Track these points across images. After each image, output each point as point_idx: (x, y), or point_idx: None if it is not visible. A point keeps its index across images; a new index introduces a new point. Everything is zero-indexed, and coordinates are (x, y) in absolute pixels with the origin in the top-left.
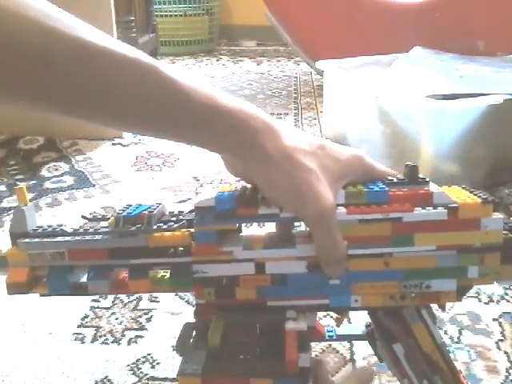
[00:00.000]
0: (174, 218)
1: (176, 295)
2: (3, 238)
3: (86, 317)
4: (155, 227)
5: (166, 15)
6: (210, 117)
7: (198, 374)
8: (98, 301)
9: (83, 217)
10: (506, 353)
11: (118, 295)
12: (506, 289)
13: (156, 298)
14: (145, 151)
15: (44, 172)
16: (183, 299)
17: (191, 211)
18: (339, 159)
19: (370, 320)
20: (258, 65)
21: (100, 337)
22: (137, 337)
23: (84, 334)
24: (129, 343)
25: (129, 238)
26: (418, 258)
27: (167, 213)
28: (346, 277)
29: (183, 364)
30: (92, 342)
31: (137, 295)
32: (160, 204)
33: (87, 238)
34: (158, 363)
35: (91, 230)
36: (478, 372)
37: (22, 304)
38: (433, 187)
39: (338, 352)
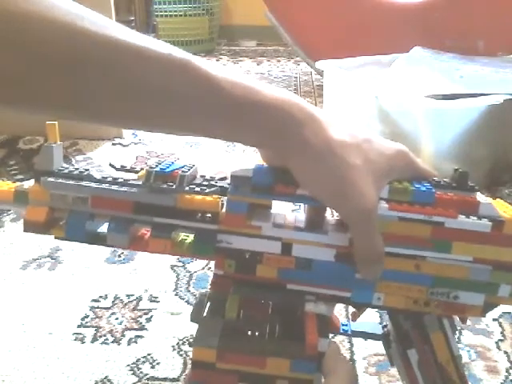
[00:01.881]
0: (205, 183)
1: (176, 295)
2: (3, 238)
3: (86, 317)
4: (187, 188)
5: (166, 15)
6: (248, 110)
7: (214, 347)
8: (98, 301)
9: (111, 165)
10: (505, 353)
11: (119, 296)
12: None
13: (156, 298)
14: (145, 151)
15: None
16: (183, 299)
17: (222, 178)
18: (384, 154)
19: (385, 321)
20: (258, 65)
21: (100, 337)
22: (137, 337)
23: (84, 334)
24: (129, 343)
25: (157, 194)
26: (451, 267)
27: (198, 176)
28: None
29: (198, 334)
30: (92, 341)
31: (137, 295)
32: (193, 166)
33: (114, 187)
34: (158, 363)
35: (120, 180)
36: (478, 372)
37: (22, 304)
38: (480, 197)
39: None
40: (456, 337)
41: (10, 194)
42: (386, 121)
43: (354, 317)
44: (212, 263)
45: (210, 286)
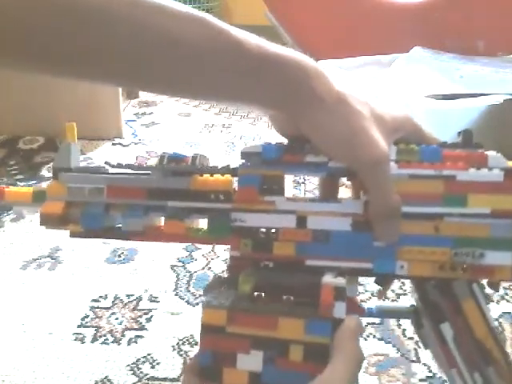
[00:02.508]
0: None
1: (176, 295)
2: (3, 238)
3: (86, 317)
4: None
5: None
6: (261, 64)
7: (225, 308)
8: (98, 301)
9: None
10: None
11: (119, 296)
12: (506, 289)
13: (156, 298)
14: (145, 151)
15: (44, 172)
16: (183, 299)
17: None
18: (391, 113)
19: (415, 301)
20: None
21: (100, 337)
22: (137, 337)
23: (84, 334)
24: (129, 343)
25: (170, 178)
26: (471, 225)
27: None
28: None
29: (209, 297)
30: (92, 342)
31: (137, 295)
32: (204, 155)
33: (128, 176)
34: (158, 363)
35: (134, 166)
36: None
37: (22, 304)
38: (488, 151)
39: None
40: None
41: (29, 194)
42: None
43: (381, 295)
44: (212, 263)
45: (226, 271)
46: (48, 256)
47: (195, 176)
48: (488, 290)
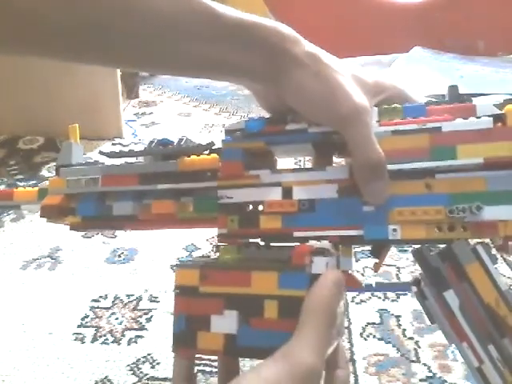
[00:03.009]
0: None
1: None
2: (3, 238)
3: (86, 317)
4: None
5: None
6: (237, 30)
7: (197, 265)
8: (98, 301)
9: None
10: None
11: (119, 296)
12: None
13: (156, 298)
14: None
15: (44, 172)
16: None
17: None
18: (371, 75)
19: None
20: None
21: (100, 337)
22: (137, 337)
23: (84, 334)
24: (129, 343)
25: (160, 162)
26: (464, 180)
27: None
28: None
29: (184, 262)
30: (92, 342)
31: (137, 295)
32: (190, 139)
33: (120, 164)
34: (158, 363)
35: (126, 152)
36: None
37: (22, 304)
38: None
39: None
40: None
41: (35, 192)
42: None
43: (377, 267)
44: None
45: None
46: (48, 256)
47: (183, 157)
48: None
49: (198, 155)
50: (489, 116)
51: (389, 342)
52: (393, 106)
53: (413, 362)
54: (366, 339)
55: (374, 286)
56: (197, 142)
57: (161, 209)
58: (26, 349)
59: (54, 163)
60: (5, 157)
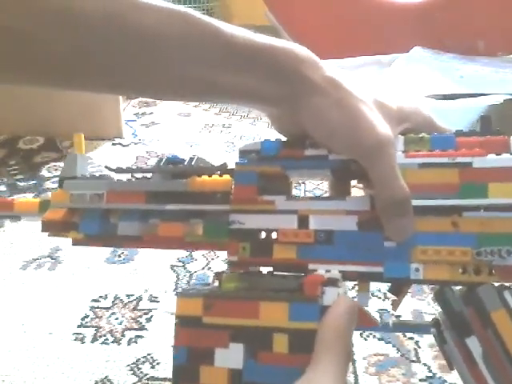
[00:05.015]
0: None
1: (176, 295)
2: (3, 238)
3: (86, 317)
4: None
5: None
6: (250, 56)
7: (200, 294)
8: (98, 301)
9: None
10: None
11: (119, 296)
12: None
13: (156, 298)
14: (145, 151)
15: (44, 172)
16: None
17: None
18: (395, 100)
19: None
20: None
21: (100, 337)
22: (137, 337)
23: (84, 334)
24: (129, 343)
25: (169, 181)
26: (494, 220)
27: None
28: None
29: (186, 290)
30: (92, 342)
31: (137, 295)
32: (202, 158)
33: (127, 181)
34: (157, 363)
35: (134, 169)
36: None
37: (22, 304)
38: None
39: None
40: None
41: (36, 204)
42: None
43: (395, 306)
44: (212, 263)
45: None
46: (48, 256)
47: (193, 177)
48: None
49: (210, 176)
50: None
51: (389, 342)
52: (420, 135)
53: (413, 362)
54: (365, 339)
55: (390, 325)
56: (208, 161)
57: (168, 232)
58: (26, 349)
59: (54, 163)
60: (5, 157)
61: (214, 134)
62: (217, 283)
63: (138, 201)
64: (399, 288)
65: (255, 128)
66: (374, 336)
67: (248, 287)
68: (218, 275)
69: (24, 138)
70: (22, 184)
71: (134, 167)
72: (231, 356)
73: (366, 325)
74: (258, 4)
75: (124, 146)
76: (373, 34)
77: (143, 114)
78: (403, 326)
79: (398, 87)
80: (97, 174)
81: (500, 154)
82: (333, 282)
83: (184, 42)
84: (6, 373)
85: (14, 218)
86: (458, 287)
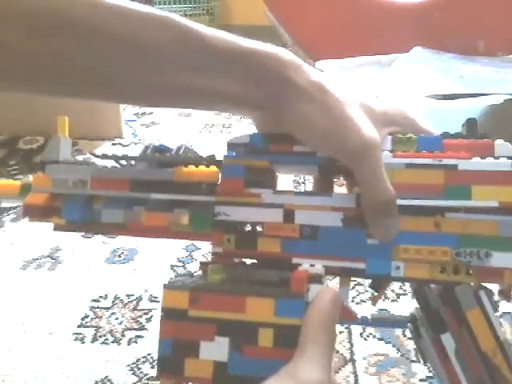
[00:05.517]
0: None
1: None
2: (3, 238)
3: (86, 317)
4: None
5: None
6: (233, 58)
7: (187, 287)
8: (98, 301)
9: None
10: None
11: (119, 296)
12: None
13: (156, 298)
14: None
15: None
16: None
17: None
18: (380, 104)
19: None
20: None
21: (100, 337)
22: (137, 337)
23: (84, 334)
24: (129, 343)
25: (154, 169)
26: (476, 222)
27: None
28: None
29: (172, 281)
30: (92, 342)
31: (137, 295)
32: (190, 147)
33: (112, 167)
34: None
35: (119, 156)
36: None
37: (22, 304)
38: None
39: (337, 352)
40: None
41: (17, 187)
42: None
43: (374, 300)
44: None
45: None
46: (48, 256)
47: (179, 167)
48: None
49: (196, 166)
50: (508, 157)
51: (389, 342)
52: (408, 135)
53: (413, 362)
54: (365, 339)
55: (369, 319)
56: (195, 151)
57: (153, 221)
58: (26, 349)
59: None
60: (5, 157)
61: (213, 134)
62: (201, 273)
63: (122, 188)
64: (379, 284)
65: (255, 128)
66: (374, 336)
67: (233, 279)
68: (203, 265)
69: (24, 137)
70: None
71: (120, 155)
72: (216, 349)
73: (346, 318)
74: (257, 4)
75: (124, 145)
76: (373, 34)
77: (143, 113)
78: (381, 321)
79: (397, 87)
80: (80, 159)
81: (485, 158)
82: (317, 279)
83: (166, 48)
84: (6, 373)
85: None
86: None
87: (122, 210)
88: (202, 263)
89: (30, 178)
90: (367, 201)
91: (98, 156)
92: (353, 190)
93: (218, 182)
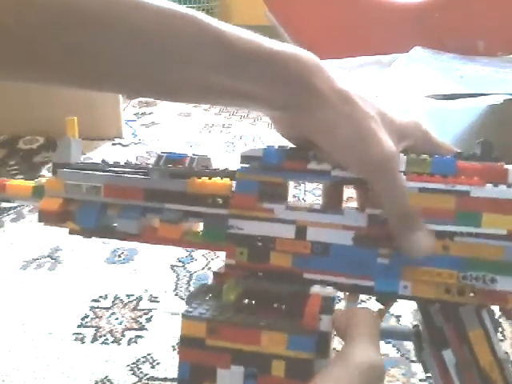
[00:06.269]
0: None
1: (176, 295)
2: (3, 238)
3: (86, 317)
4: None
5: None
6: (255, 59)
7: (204, 318)
8: (98, 301)
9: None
10: (506, 353)
11: (119, 296)
12: None
13: (156, 298)
14: (145, 151)
15: (44, 172)
16: (183, 299)
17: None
18: (397, 117)
19: (417, 322)
20: None
21: (100, 337)
22: (137, 337)
23: (84, 334)
24: (129, 343)
25: (168, 180)
26: (483, 247)
27: (212, 167)
28: (397, 258)
29: (189, 308)
30: (92, 342)
31: (137, 295)
32: (206, 156)
33: (126, 175)
34: (157, 363)
35: (132, 165)
36: None
37: (22, 304)
38: (509, 165)
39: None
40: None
41: (29, 188)
42: None
43: (381, 314)
44: (212, 263)
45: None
46: (48, 256)
47: (193, 178)
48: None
49: (210, 178)
50: None
51: (389, 342)
52: (422, 157)
53: (413, 362)
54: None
55: None
56: (209, 158)
57: (167, 232)
58: (26, 349)
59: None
60: (5, 157)
61: (214, 134)
62: (214, 283)
63: (136, 197)
64: (387, 299)
65: (255, 128)
66: None
67: (246, 293)
68: (216, 276)
69: (24, 137)
70: None
71: (133, 164)
72: (232, 377)
73: None
74: (258, 4)
75: (124, 145)
76: (373, 34)
77: (143, 113)
78: (386, 333)
79: (397, 87)
80: (90, 162)
81: (497, 185)
82: (328, 309)
83: (181, 44)
84: (6, 373)
85: (4, 201)
86: None
87: (136, 220)
88: (215, 273)
89: (42, 180)
90: (391, 214)
91: (110, 165)
92: (365, 211)
93: (231, 194)
